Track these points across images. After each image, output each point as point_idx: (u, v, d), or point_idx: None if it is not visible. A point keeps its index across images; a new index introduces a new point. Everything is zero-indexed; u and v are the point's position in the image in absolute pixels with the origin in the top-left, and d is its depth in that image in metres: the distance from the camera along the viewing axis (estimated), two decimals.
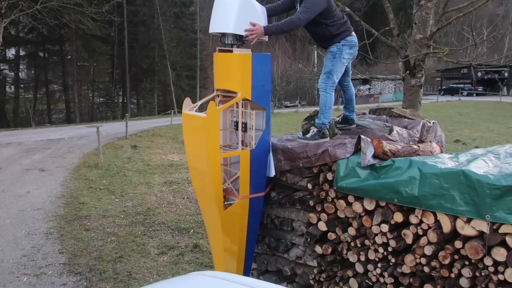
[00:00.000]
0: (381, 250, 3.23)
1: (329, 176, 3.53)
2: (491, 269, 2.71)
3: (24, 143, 14.70)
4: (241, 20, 3.55)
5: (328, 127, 3.85)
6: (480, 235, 2.77)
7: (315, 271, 3.66)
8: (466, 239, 2.82)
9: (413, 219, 3.06)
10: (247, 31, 3.54)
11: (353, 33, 3.90)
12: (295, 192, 3.85)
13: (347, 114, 4.27)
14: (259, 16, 3.64)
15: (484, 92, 45.43)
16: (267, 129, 3.80)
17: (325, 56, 3.91)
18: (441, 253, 2.90)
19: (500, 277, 2.66)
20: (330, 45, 3.81)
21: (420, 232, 3.02)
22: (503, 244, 2.67)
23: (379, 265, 3.26)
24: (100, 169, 10.87)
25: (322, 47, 3.96)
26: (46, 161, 11.87)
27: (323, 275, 3.62)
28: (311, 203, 3.62)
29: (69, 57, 37.01)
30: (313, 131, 3.81)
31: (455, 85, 47.88)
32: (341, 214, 3.48)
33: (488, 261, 2.71)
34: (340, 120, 4.30)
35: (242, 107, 3.76)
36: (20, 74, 37.71)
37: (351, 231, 3.40)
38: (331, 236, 3.55)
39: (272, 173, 3.83)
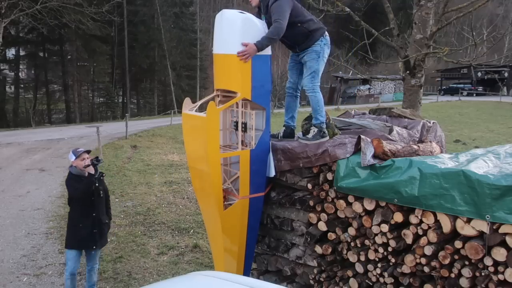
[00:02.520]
0: (381, 250, 3.23)
1: (329, 176, 3.53)
2: (491, 269, 2.71)
3: (24, 143, 14.69)
4: (245, 40, 3.55)
5: (325, 125, 3.86)
6: (480, 235, 2.77)
7: (315, 271, 3.66)
8: (466, 239, 2.82)
9: (413, 219, 3.06)
10: (239, 53, 3.54)
11: (326, 32, 3.94)
12: (295, 192, 3.85)
13: (291, 124, 4.18)
14: (262, 33, 3.64)
15: (484, 92, 45.34)
16: (267, 129, 3.80)
17: (308, 56, 3.86)
18: (441, 253, 2.90)
19: (500, 277, 2.67)
20: (311, 44, 3.81)
21: (420, 232, 3.03)
22: (503, 244, 2.67)
23: (379, 265, 3.26)
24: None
25: (302, 49, 3.90)
26: (46, 161, 11.87)
27: (323, 275, 3.62)
28: (311, 203, 3.62)
29: (69, 57, 36.95)
30: (314, 131, 3.82)
31: (455, 85, 47.78)
32: (341, 214, 3.48)
33: (488, 261, 2.71)
34: (283, 134, 4.15)
35: (242, 107, 3.76)
36: (20, 74, 37.65)
37: (351, 231, 3.40)
38: (331, 236, 3.55)
39: (272, 173, 3.83)
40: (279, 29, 3.61)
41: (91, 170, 4.38)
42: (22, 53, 36.99)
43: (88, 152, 4.54)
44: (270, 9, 3.65)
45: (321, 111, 3.86)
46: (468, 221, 2.80)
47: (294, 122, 4.19)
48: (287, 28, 3.64)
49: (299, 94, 4.16)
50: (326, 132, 3.82)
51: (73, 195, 4.37)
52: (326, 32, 3.92)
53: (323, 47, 3.85)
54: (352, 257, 3.42)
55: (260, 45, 3.58)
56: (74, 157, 4.38)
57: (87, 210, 4.35)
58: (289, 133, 4.14)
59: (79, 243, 4.41)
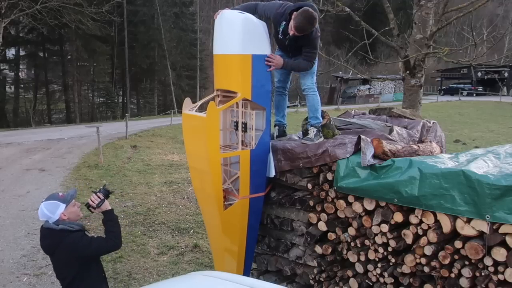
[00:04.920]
0: (381, 250, 3.23)
1: (329, 176, 3.53)
2: (491, 269, 2.71)
3: (24, 143, 14.68)
4: (246, 40, 3.56)
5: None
6: (480, 235, 2.77)
7: (315, 271, 3.66)
8: (466, 239, 2.82)
9: (413, 219, 3.06)
10: (269, 56, 3.63)
11: None
12: (295, 192, 3.85)
13: (284, 122, 4.29)
14: (262, 33, 3.64)
15: (484, 92, 45.34)
16: (267, 129, 3.80)
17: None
18: (441, 253, 2.90)
19: (500, 277, 2.67)
20: None
21: (420, 232, 3.03)
22: (503, 244, 2.67)
23: (379, 265, 3.26)
24: (100, 169, 10.87)
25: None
26: (46, 161, 11.86)
27: (323, 275, 3.62)
28: (311, 203, 3.62)
29: (69, 57, 36.93)
30: (313, 131, 3.83)
31: (455, 85, 47.77)
32: (341, 214, 3.48)
33: (488, 261, 2.71)
34: (277, 133, 4.26)
35: (242, 107, 3.76)
36: (20, 74, 37.64)
37: (351, 231, 3.40)
38: (331, 236, 3.55)
39: (272, 173, 3.83)
40: (307, 67, 3.74)
41: (107, 205, 3.18)
42: (22, 53, 36.97)
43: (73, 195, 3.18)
44: (308, 39, 3.63)
45: (320, 111, 3.93)
46: (468, 221, 2.80)
47: (285, 120, 4.30)
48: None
49: (287, 93, 4.25)
50: (321, 131, 3.89)
51: (109, 249, 3.15)
52: None
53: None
54: (352, 257, 3.42)
55: (286, 65, 3.72)
56: (64, 207, 3.01)
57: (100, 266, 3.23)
58: (282, 132, 4.24)
59: None
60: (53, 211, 2.98)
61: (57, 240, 2.96)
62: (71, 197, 3.08)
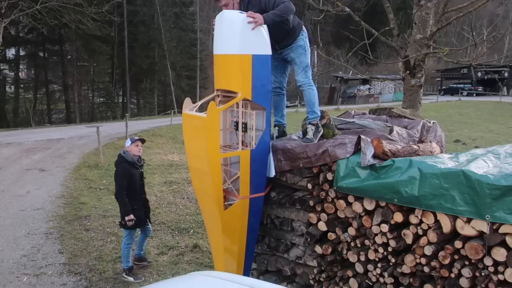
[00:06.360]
0: (381, 250, 3.23)
1: (329, 176, 3.53)
2: (491, 269, 2.71)
3: (24, 143, 14.68)
4: (246, 40, 3.55)
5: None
6: (480, 235, 2.77)
7: (315, 271, 3.66)
8: (466, 239, 2.82)
9: (413, 219, 3.06)
10: (249, 15, 3.51)
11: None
12: (295, 192, 3.85)
13: (283, 122, 4.27)
14: (262, 33, 3.63)
15: (484, 92, 45.33)
16: (267, 129, 3.81)
17: (295, 53, 3.89)
18: (441, 253, 2.90)
19: (500, 277, 2.67)
20: (294, 40, 3.84)
21: (420, 232, 3.03)
22: (503, 244, 2.67)
23: (379, 265, 3.26)
24: (100, 169, 10.86)
25: (284, 47, 3.92)
26: (46, 161, 11.86)
27: (323, 275, 3.62)
28: (311, 203, 3.62)
29: (69, 57, 36.93)
30: (312, 129, 3.82)
31: (455, 85, 47.75)
32: (341, 214, 3.48)
33: (488, 261, 2.71)
34: (277, 133, 4.24)
35: (242, 107, 3.76)
36: (20, 74, 37.63)
37: (351, 231, 3.41)
38: (331, 236, 3.55)
39: (272, 173, 3.83)
40: (288, 8, 3.60)
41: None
42: (22, 53, 36.97)
43: (143, 141, 5.32)
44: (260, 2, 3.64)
45: (317, 105, 3.91)
46: (468, 221, 2.80)
47: (284, 120, 4.27)
48: (270, 25, 3.63)
49: (285, 92, 4.22)
50: (320, 126, 3.86)
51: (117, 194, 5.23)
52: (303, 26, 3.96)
53: (305, 40, 3.90)
54: (352, 257, 3.42)
55: (267, 18, 3.55)
56: (130, 143, 5.19)
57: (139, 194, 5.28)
58: (282, 132, 4.23)
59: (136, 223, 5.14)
60: (126, 143, 5.29)
61: (118, 161, 5.24)
62: (135, 140, 5.22)
